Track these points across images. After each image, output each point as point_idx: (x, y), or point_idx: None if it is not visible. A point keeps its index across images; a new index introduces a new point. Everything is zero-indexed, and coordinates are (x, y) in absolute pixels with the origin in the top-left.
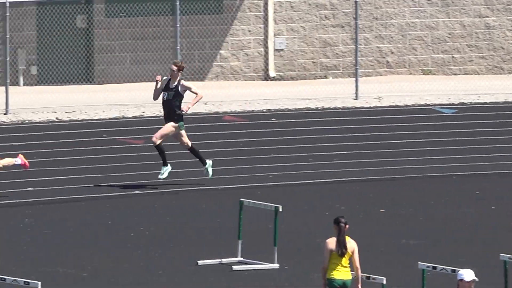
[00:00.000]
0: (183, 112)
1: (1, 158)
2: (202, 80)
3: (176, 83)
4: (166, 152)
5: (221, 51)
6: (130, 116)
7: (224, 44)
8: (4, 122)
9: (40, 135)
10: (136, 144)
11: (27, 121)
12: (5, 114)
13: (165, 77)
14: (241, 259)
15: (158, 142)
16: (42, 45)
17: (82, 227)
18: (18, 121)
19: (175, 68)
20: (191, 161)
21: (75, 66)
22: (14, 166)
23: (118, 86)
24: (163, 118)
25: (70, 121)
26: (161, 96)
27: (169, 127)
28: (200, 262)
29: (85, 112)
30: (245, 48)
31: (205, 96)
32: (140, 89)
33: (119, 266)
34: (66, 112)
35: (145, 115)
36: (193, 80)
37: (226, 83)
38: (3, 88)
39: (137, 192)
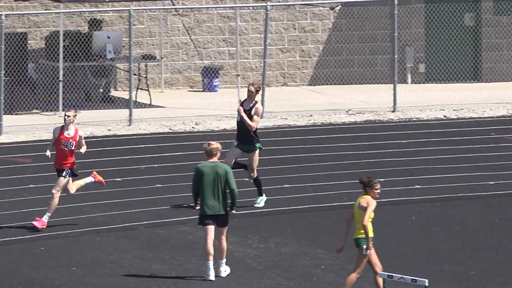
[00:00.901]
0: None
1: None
2: None
3: (251, 104)
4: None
5: None
6: None
7: None
8: (392, 119)
9: (427, 133)
10: None
11: (414, 119)
12: (392, 111)
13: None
14: None
15: (256, 175)
16: (430, 43)
17: (469, 225)
18: (405, 118)
19: (253, 89)
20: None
21: (462, 64)
22: (87, 184)
23: (506, 84)
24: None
25: (457, 119)
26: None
27: (255, 157)
28: None
29: (473, 110)
30: None
31: None
32: None
33: (508, 265)
34: (453, 110)
35: None
36: None
37: None
38: (391, 85)
39: None
